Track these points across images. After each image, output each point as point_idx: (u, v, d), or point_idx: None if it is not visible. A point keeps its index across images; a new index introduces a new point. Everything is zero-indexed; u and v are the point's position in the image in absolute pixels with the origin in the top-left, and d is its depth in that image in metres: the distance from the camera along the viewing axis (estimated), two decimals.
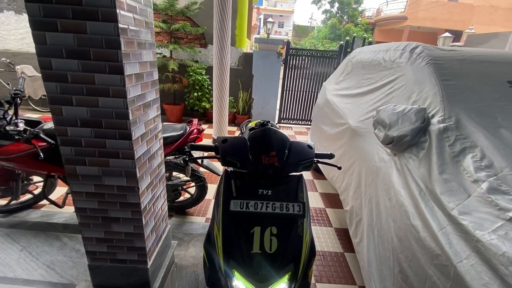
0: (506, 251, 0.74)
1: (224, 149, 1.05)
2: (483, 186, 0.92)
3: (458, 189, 0.98)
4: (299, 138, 4.97)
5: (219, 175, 2.31)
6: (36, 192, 2.24)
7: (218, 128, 4.00)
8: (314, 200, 2.83)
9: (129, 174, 1.08)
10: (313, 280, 1.79)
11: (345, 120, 2.23)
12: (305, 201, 1.04)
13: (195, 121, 2.01)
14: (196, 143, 1.25)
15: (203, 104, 4.94)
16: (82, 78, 0.94)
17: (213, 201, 2.62)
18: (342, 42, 5.12)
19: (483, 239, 0.80)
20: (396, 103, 1.55)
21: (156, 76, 1.20)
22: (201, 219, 2.34)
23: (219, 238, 0.97)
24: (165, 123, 2.07)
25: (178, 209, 2.37)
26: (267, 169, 1.01)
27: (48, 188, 2.09)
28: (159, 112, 1.27)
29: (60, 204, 2.05)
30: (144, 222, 1.19)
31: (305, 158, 1.08)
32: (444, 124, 1.18)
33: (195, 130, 1.91)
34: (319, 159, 1.17)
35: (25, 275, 1.38)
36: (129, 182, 1.10)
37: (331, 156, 1.22)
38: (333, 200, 2.83)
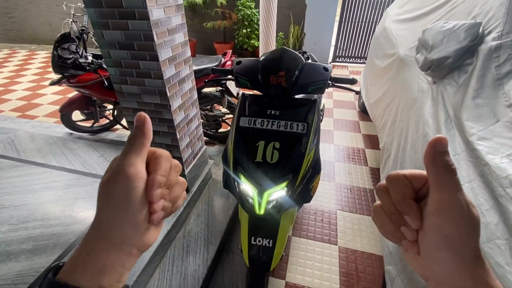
0: (511, 174, 0.68)
1: (237, 70, 1.11)
2: None
3: (488, 114, 0.87)
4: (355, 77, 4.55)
5: None
6: (111, 118, 2.77)
7: None
8: (355, 141, 2.76)
9: (161, 93, 1.26)
10: (334, 208, 1.90)
11: (396, 49, 1.96)
12: (314, 123, 1.07)
13: (229, 52, 2.06)
14: (217, 67, 1.32)
15: (252, 41, 4.82)
16: (112, 2, 1.06)
17: None
18: None
19: (491, 162, 0.74)
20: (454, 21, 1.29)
21: (180, 0, 1.26)
22: None
23: (231, 149, 1.11)
24: (202, 55, 2.18)
25: (221, 139, 2.64)
26: (274, 89, 1.05)
27: (119, 114, 2.55)
28: (187, 38, 1.36)
29: (127, 127, 2.52)
30: (178, 137, 1.42)
31: (317, 79, 1.07)
32: (499, 41, 0.97)
33: (228, 62, 1.97)
34: (334, 82, 1.13)
35: (103, 173, 1.85)
36: (162, 100, 1.28)
37: (352, 81, 1.16)
38: (374, 141, 2.71)
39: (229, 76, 1.28)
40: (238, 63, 1.14)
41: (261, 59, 1.12)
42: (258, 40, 4.85)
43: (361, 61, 5.04)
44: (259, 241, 1.08)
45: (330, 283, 1.43)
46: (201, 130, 1.72)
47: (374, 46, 2.87)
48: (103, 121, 2.76)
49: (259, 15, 4.71)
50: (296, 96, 1.15)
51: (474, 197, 0.75)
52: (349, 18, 4.63)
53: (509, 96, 0.84)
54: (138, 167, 0.28)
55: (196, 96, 1.57)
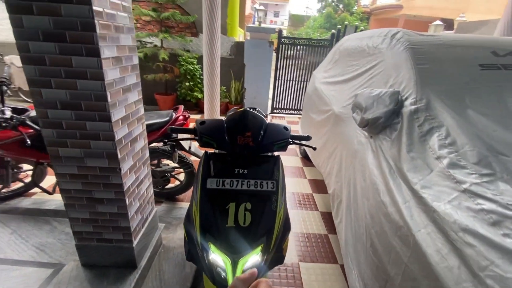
0: (457, 219, 0.80)
1: (201, 130, 1.09)
2: (444, 162, 0.98)
3: (422, 165, 1.04)
4: (292, 128, 5.01)
5: None
6: (27, 180, 2.28)
7: (210, 117, 4.02)
8: (302, 186, 2.91)
9: (110, 156, 1.12)
10: (296, 260, 1.87)
11: (330, 106, 2.27)
12: (280, 179, 1.09)
13: (181, 107, 2.04)
14: (176, 126, 1.28)
15: (195, 94, 4.94)
16: (60, 60, 0.96)
17: None
18: (335, 31, 5.11)
19: (439, 209, 0.86)
20: (375, 88, 1.59)
21: (136, 60, 1.23)
22: None
23: (197, 214, 1.02)
24: (151, 111, 2.10)
25: (168, 196, 2.42)
26: (242, 149, 1.06)
27: (38, 176, 2.12)
28: (141, 96, 1.30)
29: (50, 191, 2.09)
30: (127, 203, 1.24)
31: (280, 138, 1.13)
32: (415, 106, 1.23)
33: (180, 117, 1.94)
34: (295, 140, 1.21)
35: (15, 256, 1.43)
36: (111, 163, 1.13)
37: (307, 138, 1.27)
38: (320, 186, 2.90)
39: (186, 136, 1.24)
40: (202, 123, 1.12)
41: (225, 120, 1.14)
42: (201, 93, 5.00)
43: (295, 113, 5.64)
44: None
45: None
46: (151, 191, 1.56)
47: (308, 102, 3.26)
48: (15, 185, 2.24)
49: (201, 70, 4.95)
50: None
51: (432, 242, 0.84)
52: (282, 77, 5.29)
53: (435, 150, 1.04)
54: None
55: (148, 154, 1.45)
